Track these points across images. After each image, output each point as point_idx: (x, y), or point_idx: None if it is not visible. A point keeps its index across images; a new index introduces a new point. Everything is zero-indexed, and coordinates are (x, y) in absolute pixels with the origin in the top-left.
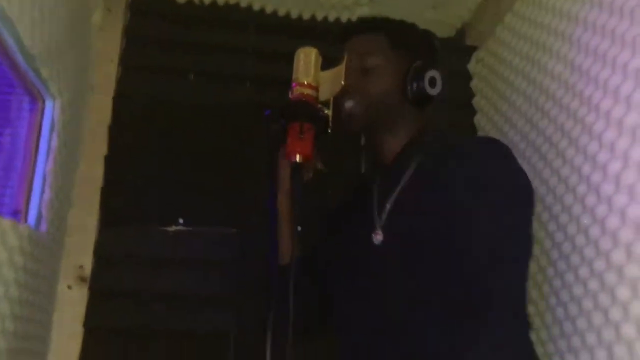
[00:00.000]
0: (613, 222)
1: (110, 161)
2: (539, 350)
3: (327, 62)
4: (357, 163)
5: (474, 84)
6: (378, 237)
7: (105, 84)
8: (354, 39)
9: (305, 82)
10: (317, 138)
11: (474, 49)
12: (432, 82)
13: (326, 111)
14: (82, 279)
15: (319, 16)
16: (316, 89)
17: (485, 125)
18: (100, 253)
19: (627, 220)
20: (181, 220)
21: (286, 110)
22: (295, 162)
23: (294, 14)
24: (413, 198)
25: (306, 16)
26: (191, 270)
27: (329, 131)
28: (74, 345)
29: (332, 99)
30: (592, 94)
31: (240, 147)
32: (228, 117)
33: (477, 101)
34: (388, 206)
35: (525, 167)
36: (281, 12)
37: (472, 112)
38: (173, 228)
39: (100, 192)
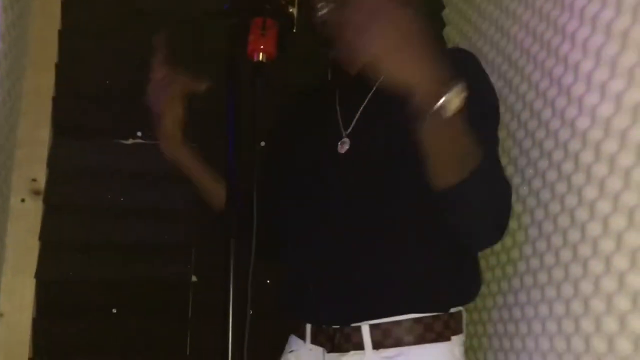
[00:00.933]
0: (579, 179)
1: (61, 69)
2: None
3: None
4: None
5: (446, 13)
6: (344, 146)
7: None
8: None
9: None
10: (280, 37)
11: None
12: None
13: (291, 9)
14: (35, 192)
15: None
16: None
17: (455, 36)
18: (54, 166)
19: (591, 178)
20: (139, 134)
21: (249, 5)
22: (258, 60)
23: None
24: (381, 107)
25: None
26: (149, 185)
27: (294, 30)
28: (31, 258)
29: None
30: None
31: (201, 55)
32: (191, 25)
33: (447, 31)
34: (357, 115)
35: (495, 76)
36: None
37: (442, 24)
38: (130, 141)
39: (51, 102)
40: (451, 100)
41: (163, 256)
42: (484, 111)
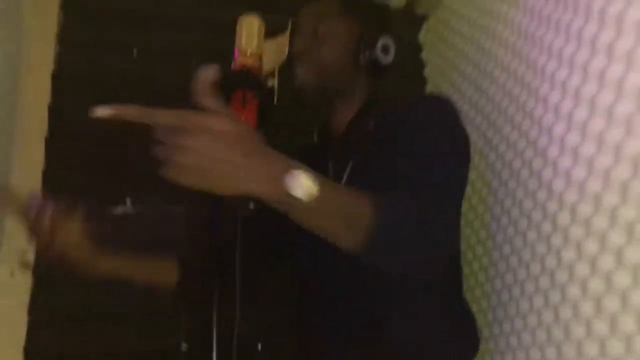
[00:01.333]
0: (558, 185)
1: (51, 142)
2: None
3: (274, 33)
4: (309, 136)
5: (425, 54)
6: None
7: (43, 62)
8: (307, 6)
9: (248, 52)
10: (261, 110)
11: (424, 18)
12: (385, 49)
13: (271, 82)
14: (25, 265)
15: None
16: (259, 58)
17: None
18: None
19: (571, 182)
20: (128, 202)
21: (228, 80)
22: None
23: None
24: (370, 165)
25: None
26: (139, 251)
27: (274, 103)
28: (19, 332)
29: (277, 69)
30: (538, 58)
31: None
32: (173, 92)
33: (427, 72)
34: (345, 176)
35: (474, 134)
36: None
37: (423, 83)
38: (119, 209)
39: (41, 174)
40: (299, 190)
41: (153, 325)
42: (427, 155)
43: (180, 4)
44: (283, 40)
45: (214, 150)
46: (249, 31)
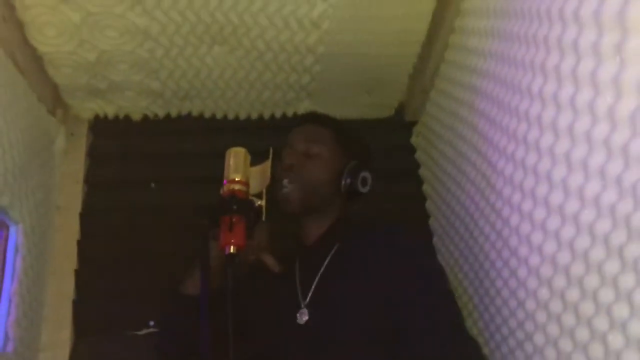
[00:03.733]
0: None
1: (80, 274)
2: None
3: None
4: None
5: (418, 155)
6: (303, 317)
7: (72, 203)
8: (304, 127)
9: (236, 179)
10: (249, 228)
11: (413, 123)
12: (364, 181)
13: (259, 202)
14: None
15: (266, 115)
16: (246, 184)
17: (432, 193)
18: None
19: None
20: (152, 323)
21: (216, 207)
22: (230, 253)
23: (243, 116)
24: (337, 277)
25: (254, 116)
26: None
27: (263, 219)
28: None
29: (265, 189)
30: (519, 127)
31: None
32: (187, 219)
33: (422, 171)
34: (313, 286)
35: (468, 225)
36: (230, 116)
37: (421, 182)
38: (144, 331)
39: (72, 305)
40: None
41: None
42: (439, 290)
43: (191, 139)
44: (266, 166)
45: None
46: (236, 161)
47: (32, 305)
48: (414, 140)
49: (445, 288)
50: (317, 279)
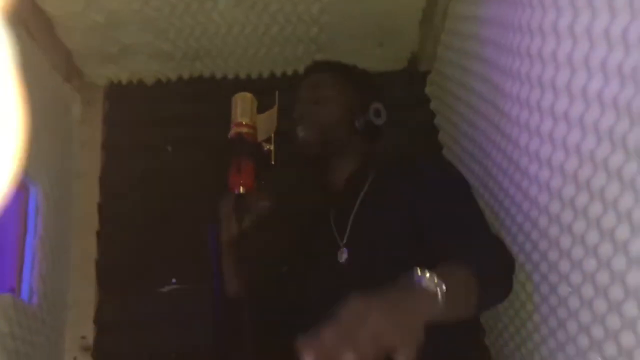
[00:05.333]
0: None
1: (102, 236)
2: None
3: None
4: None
5: (433, 105)
6: (343, 256)
7: (91, 169)
8: (308, 78)
9: (243, 122)
10: (259, 170)
11: (427, 73)
12: (377, 113)
13: (268, 146)
14: (85, 349)
15: (278, 72)
16: (254, 127)
17: (448, 140)
18: (100, 322)
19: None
20: (174, 280)
21: (225, 149)
22: (238, 193)
23: (254, 75)
24: (371, 214)
25: (265, 74)
26: (188, 327)
27: (272, 163)
28: None
29: (273, 134)
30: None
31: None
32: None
33: (437, 121)
34: (349, 226)
35: (484, 172)
36: (242, 75)
37: (436, 131)
38: (166, 288)
39: (94, 265)
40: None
41: None
42: (463, 199)
43: (205, 101)
44: (273, 111)
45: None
46: (243, 105)
47: (56, 265)
48: (428, 90)
49: (470, 195)
50: (352, 218)
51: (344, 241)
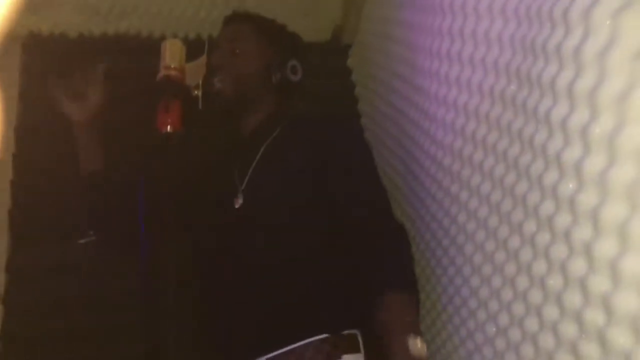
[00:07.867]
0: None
1: (15, 185)
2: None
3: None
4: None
5: (354, 76)
6: (239, 201)
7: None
8: (228, 28)
9: (172, 66)
10: (186, 112)
11: (349, 46)
12: (294, 70)
13: (196, 92)
14: None
15: (204, 35)
16: (182, 71)
17: (367, 109)
18: (12, 271)
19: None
20: (92, 232)
21: (153, 90)
22: (166, 131)
23: (181, 35)
24: (271, 165)
25: (192, 36)
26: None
27: (200, 108)
28: None
29: (201, 80)
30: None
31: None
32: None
33: (357, 91)
34: (248, 173)
35: (401, 138)
36: (168, 35)
37: (355, 101)
38: (84, 240)
39: (7, 214)
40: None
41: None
42: (370, 177)
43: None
44: (202, 59)
45: None
46: (172, 50)
47: None
48: (350, 62)
49: (374, 174)
50: (252, 167)
51: (242, 187)
